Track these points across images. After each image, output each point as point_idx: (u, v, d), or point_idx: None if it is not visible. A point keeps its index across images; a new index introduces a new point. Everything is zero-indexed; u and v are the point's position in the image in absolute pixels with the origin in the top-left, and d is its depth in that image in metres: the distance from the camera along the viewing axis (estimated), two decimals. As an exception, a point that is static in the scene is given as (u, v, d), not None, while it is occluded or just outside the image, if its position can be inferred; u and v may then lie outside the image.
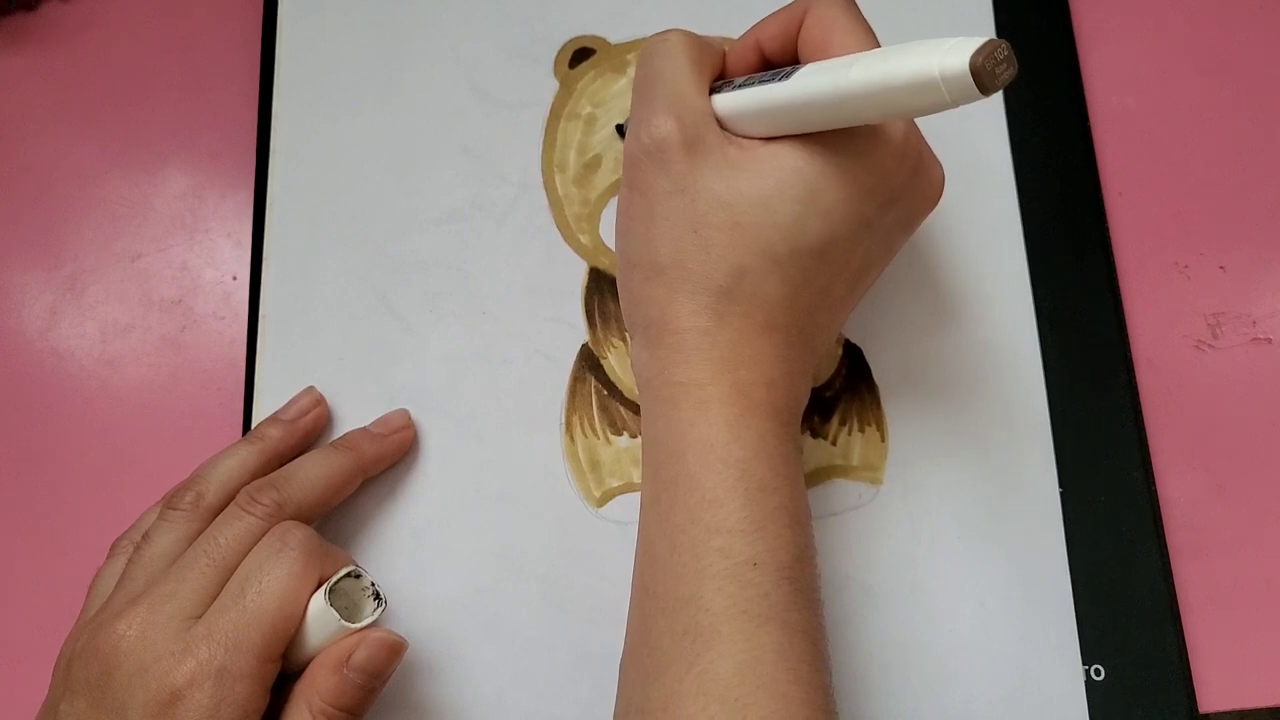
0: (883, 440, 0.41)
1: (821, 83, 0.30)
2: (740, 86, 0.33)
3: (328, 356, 0.42)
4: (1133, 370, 0.41)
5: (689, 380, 0.33)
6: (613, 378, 0.42)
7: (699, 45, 0.35)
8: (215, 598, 0.34)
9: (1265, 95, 0.45)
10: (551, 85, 0.46)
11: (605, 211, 0.44)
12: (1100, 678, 0.38)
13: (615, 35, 0.46)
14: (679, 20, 0.46)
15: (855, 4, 0.33)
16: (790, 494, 0.32)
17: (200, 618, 0.33)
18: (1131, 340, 0.42)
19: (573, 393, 0.42)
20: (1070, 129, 0.44)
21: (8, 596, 0.42)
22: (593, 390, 0.42)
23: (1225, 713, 0.38)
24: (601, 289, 0.43)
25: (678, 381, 0.33)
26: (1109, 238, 0.43)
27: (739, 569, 0.30)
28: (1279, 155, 0.44)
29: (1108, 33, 0.46)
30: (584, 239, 0.44)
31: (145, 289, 0.46)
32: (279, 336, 0.43)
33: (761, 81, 0.32)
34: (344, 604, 0.34)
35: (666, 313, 0.33)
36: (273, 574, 0.33)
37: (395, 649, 0.34)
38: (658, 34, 0.35)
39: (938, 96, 0.26)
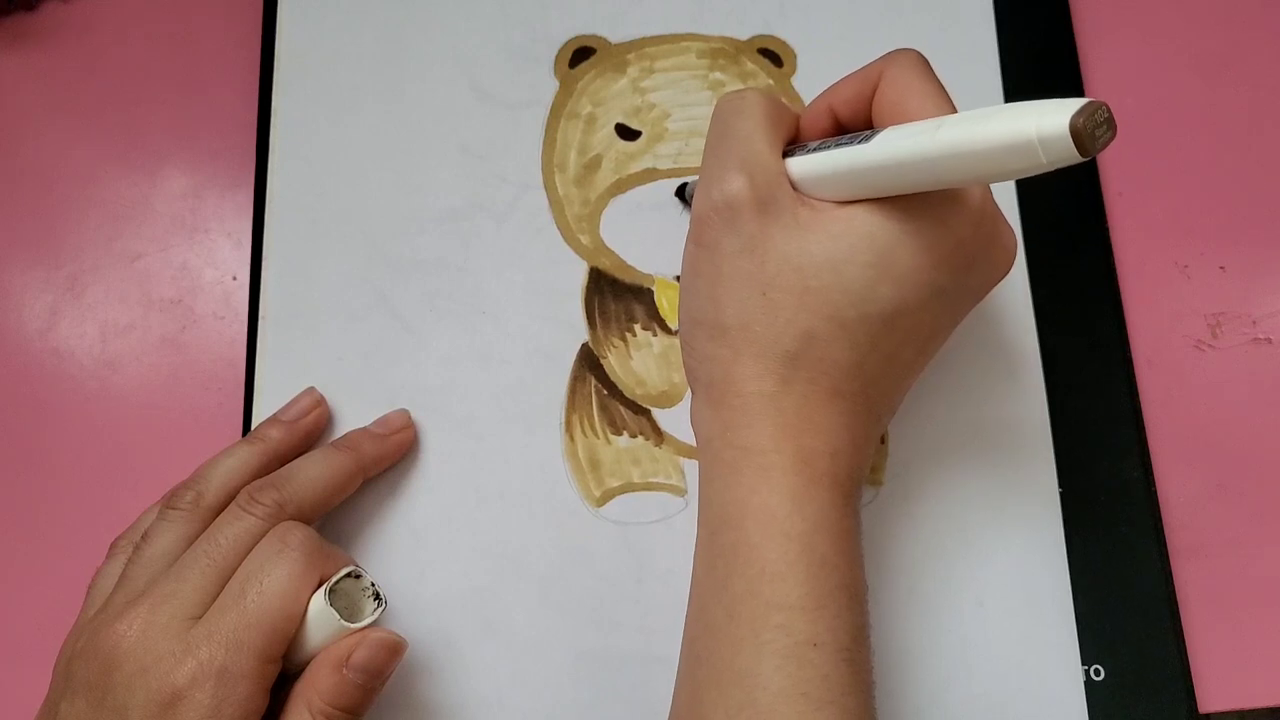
0: (882, 442, 0.41)
1: (906, 145, 0.29)
2: (816, 150, 0.32)
3: (328, 356, 0.42)
4: (1133, 370, 0.41)
5: (751, 445, 0.32)
6: (613, 377, 0.42)
7: (776, 106, 0.34)
8: (216, 598, 0.34)
9: (1265, 95, 0.45)
10: (551, 85, 0.46)
11: (605, 212, 0.44)
12: (1100, 678, 0.38)
13: (615, 35, 0.46)
14: (680, 20, 0.46)
15: (930, 69, 0.33)
16: (849, 571, 0.32)
17: (201, 618, 0.33)
18: (1131, 340, 0.42)
19: (572, 393, 0.42)
20: (1070, 129, 0.44)
21: (8, 596, 0.42)
22: (592, 390, 0.42)
23: (1225, 713, 0.38)
24: (601, 289, 0.43)
25: (739, 445, 0.32)
26: (1109, 238, 0.43)
27: (799, 648, 0.30)
28: (1279, 155, 0.44)
29: (1108, 33, 0.46)
30: (584, 239, 0.44)
31: (145, 289, 0.46)
32: (279, 336, 0.43)
33: (838, 145, 0.32)
34: (344, 604, 0.34)
35: (730, 374, 0.33)
36: (273, 574, 0.33)
37: (395, 649, 0.34)
38: (735, 91, 0.34)
39: (1033, 159, 0.26)
